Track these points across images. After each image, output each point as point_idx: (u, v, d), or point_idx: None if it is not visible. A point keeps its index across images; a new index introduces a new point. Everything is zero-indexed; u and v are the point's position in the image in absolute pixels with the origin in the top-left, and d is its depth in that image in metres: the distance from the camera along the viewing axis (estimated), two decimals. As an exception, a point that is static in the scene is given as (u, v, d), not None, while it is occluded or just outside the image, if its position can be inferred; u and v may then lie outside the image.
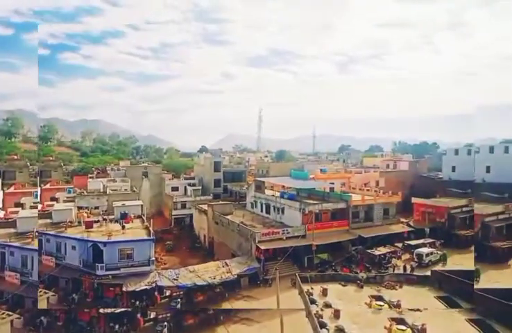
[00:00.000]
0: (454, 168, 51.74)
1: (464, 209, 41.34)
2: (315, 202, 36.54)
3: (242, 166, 64.84)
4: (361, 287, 22.42)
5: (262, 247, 30.23)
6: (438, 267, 30.07)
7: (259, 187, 43.49)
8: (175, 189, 55.39)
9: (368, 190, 44.66)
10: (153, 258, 28.38)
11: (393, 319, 17.48)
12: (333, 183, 46.36)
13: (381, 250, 33.16)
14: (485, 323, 16.88)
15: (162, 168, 65.27)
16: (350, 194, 39.05)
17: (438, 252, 32.72)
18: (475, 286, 24.88)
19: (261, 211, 41.30)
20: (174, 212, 49.95)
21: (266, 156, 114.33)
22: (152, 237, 28.70)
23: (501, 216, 36.54)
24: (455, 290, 20.98)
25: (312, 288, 21.82)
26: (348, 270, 29.94)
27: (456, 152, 53.56)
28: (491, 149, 47.43)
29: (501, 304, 17.22)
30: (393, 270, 29.84)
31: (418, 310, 18.49)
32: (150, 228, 30.25)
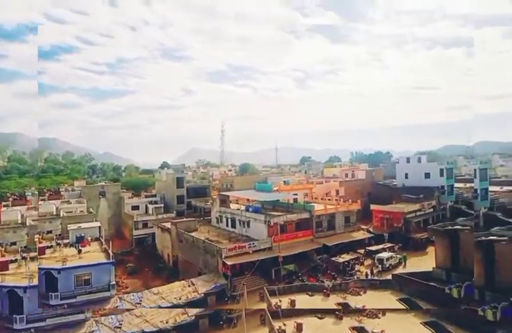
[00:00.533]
0: (406, 175, 55.15)
1: (418, 213, 44.10)
2: (280, 213, 36.95)
3: (206, 181, 64.11)
4: (328, 296, 22.81)
5: (229, 262, 29.77)
6: (399, 270, 31.39)
7: (224, 202, 43.17)
8: (135, 207, 53.24)
9: (329, 199, 46.11)
10: (114, 282, 26.77)
11: (353, 328, 18.00)
12: (296, 194, 47.35)
13: (345, 257, 34.07)
14: (438, 325, 17.98)
15: (121, 187, 62.62)
16: (313, 204, 40.01)
17: (398, 255, 34.24)
18: (402, 271, 29.27)
19: (227, 225, 40.87)
20: (135, 232, 47.80)
21: (230, 170, 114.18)
22: (111, 260, 27.16)
23: (418, 213, 43.81)
24: (414, 291, 22.07)
25: (280, 301, 21.83)
26: (314, 279, 30.31)
27: (408, 160, 57.27)
28: (408, 160, 56.48)
29: (421, 284, 21.14)
30: (360, 276, 30.63)
31: (377, 317, 19.18)
32: (110, 251, 28.67)
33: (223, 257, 30.22)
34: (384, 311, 19.61)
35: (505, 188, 54.10)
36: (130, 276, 36.98)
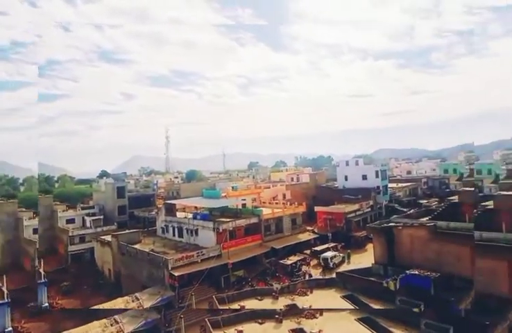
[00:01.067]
0: (346, 178, 58.56)
1: (357, 212, 47.00)
2: (228, 219, 36.66)
3: (150, 190, 61.45)
4: (277, 298, 23.08)
5: (176, 273, 28.63)
6: (343, 268, 32.96)
7: (170, 210, 41.68)
8: (70, 221, 48.96)
9: (276, 203, 47.07)
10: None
11: (293, 331, 18.39)
12: (245, 199, 47.54)
13: (292, 259, 34.87)
14: (371, 320, 19.27)
15: (54, 199, 57.18)
16: (261, 209, 40.50)
17: (341, 254, 35.97)
18: (346, 268, 30.43)
19: (174, 235, 39.44)
20: (71, 248, 43.82)
21: (176, 177, 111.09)
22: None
23: (358, 213, 46.56)
24: (356, 287, 23.33)
25: (230, 308, 21.57)
26: (264, 283, 30.52)
27: (347, 163, 60.94)
28: (347, 163, 60.33)
29: (362, 280, 22.85)
30: (304, 277, 31.58)
31: (315, 317, 19.88)
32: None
33: (170, 268, 29.01)
34: (321, 311, 20.33)
35: (400, 184, 63.29)
36: (65, 296, 33.64)
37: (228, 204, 41.93)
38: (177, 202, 44.22)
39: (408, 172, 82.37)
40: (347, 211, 44.82)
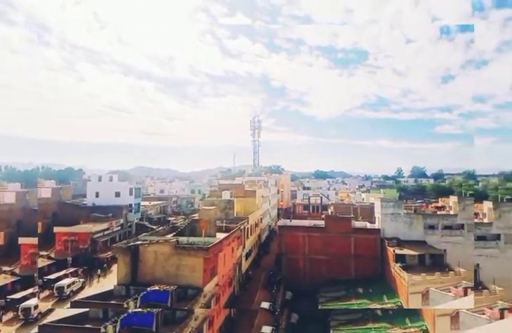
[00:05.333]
0: (97, 194, 54.60)
1: (106, 232, 44.53)
2: None
3: None
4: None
5: None
6: (81, 294, 29.63)
7: None
8: None
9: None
10: None
11: None
12: None
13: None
14: None
15: None
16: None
17: (80, 279, 32.45)
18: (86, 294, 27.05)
19: None
20: None
21: None
22: None
23: (106, 232, 44.69)
24: (95, 313, 21.65)
25: None
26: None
27: (100, 178, 57.15)
28: (100, 178, 57.19)
29: (102, 305, 22.08)
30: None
31: None
32: None
33: None
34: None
35: (153, 202, 67.44)
36: None
37: None
38: None
39: (162, 191, 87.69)
40: (94, 231, 41.57)
